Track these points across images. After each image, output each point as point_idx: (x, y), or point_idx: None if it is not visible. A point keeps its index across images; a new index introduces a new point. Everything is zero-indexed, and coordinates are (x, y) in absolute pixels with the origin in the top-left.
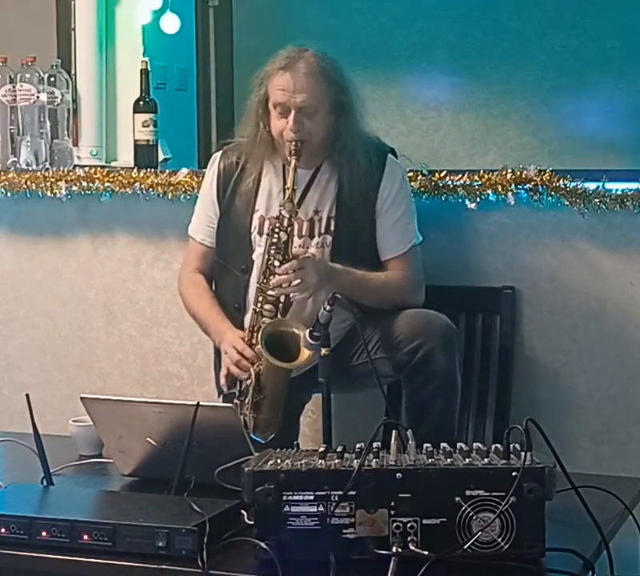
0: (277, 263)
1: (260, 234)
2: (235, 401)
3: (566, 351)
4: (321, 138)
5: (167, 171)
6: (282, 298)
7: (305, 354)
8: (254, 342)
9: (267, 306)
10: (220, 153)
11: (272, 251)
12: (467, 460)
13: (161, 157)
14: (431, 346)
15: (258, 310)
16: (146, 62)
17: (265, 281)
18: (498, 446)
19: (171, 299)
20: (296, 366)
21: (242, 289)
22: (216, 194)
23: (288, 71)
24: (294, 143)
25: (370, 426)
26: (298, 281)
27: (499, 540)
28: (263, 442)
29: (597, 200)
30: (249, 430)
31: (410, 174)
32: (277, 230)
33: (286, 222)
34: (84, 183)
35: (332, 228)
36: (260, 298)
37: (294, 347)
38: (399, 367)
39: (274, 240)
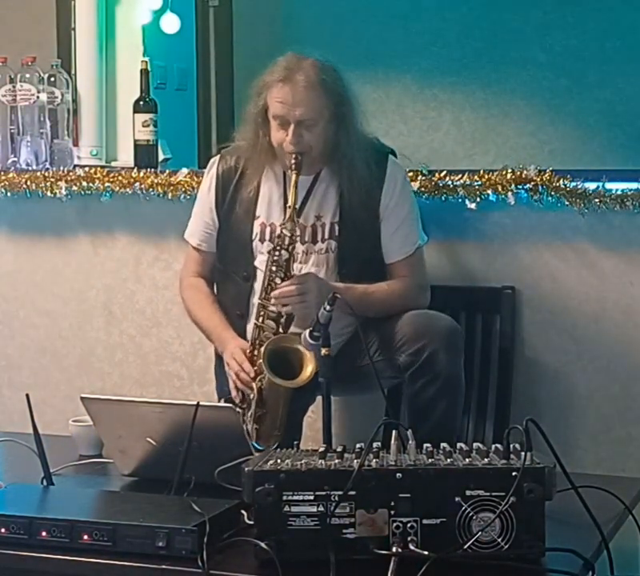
0: (278, 281)
1: (261, 241)
2: (237, 410)
3: (566, 351)
4: (321, 148)
5: (167, 171)
6: (284, 314)
7: (307, 371)
8: (255, 354)
9: (268, 322)
10: (218, 157)
11: (273, 268)
12: (467, 460)
13: (161, 157)
14: (435, 347)
15: (259, 324)
16: (146, 62)
17: (266, 297)
18: (498, 445)
19: (171, 299)
20: (298, 385)
21: (244, 296)
22: (214, 201)
23: (287, 83)
24: (294, 156)
25: (370, 426)
26: (299, 296)
27: (499, 540)
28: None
29: (597, 200)
30: (251, 439)
31: (410, 174)
32: (278, 247)
33: (287, 241)
34: (84, 183)
35: (336, 233)
36: (262, 313)
37: (296, 363)
38: (403, 368)
39: (275, 257)
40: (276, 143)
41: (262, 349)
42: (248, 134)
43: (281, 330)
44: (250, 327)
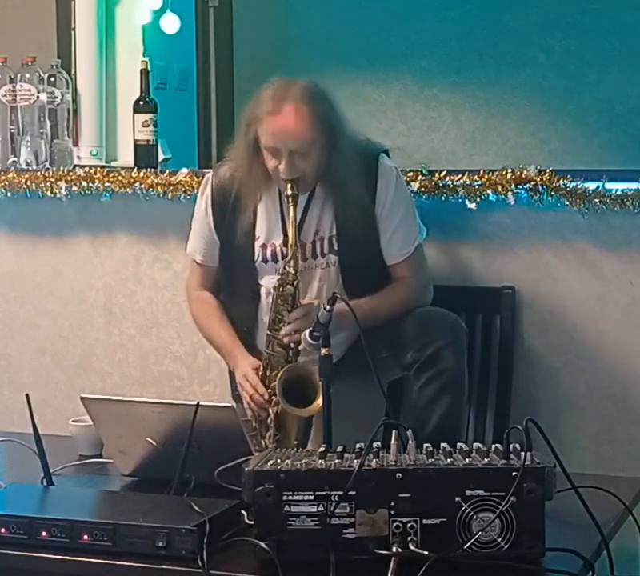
0: (285, 313)
1: (264, 261)
2: (254, 425)
3: (566, 351)
4: (314, 172)
5: (167, 171)
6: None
7: (320, 398)
8: (267, 374)
9: (278, 349)
10: (211, 175)
11: (280, 301)
12: (467, 460)
13: (161, 157)
14: (440, 343)
15: (269, 352)
16: (146, 62)
17: (274, 329)
18: (498, 445)
19: (171, 299)
20: (311, 413)
21: (251, 312)
22: (212, 222)
23: (276, 115)
24: (289, 186)
25: (370, 426)
26: (306, 329)
27: (499, 540)
28: None
29: (597, 200)
30: None
31: (410, 174)
32: (283, 283)
33: (290, 277)
34: (84, 183)
35: (336, 247)
36: (271, 342)
37: (311, 389)
38: (408, 364)
39: (281, 292)
40: (269, 169)
41: (277, 378)
42: (240, 160)
43: (291, 355)
44: (258, 340)
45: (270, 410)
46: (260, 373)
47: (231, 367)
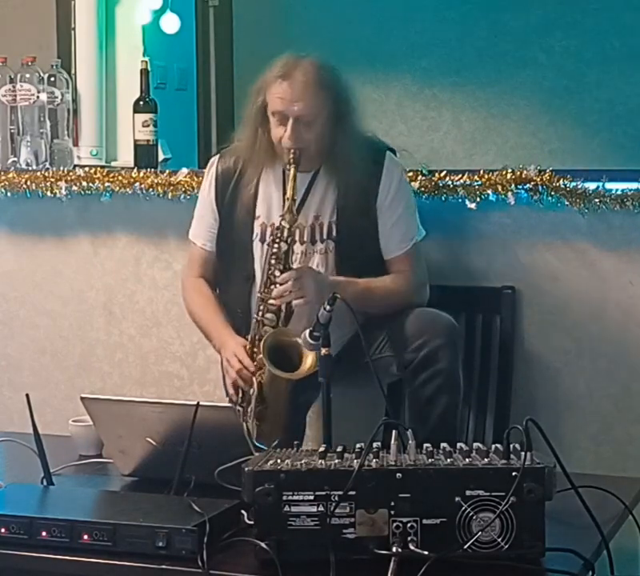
0: (277, 273)
1: (262, 241)
2: (238, 408)
3: (566, 351)
4: (319, 145)
5: (167, 171)
6: (283, 307)
7: (307, 363)
8: (256, 350)
9: (268, 315)
10: (217, 157)
11: (272, 261)
12: (467, 460)
13: (161, 157)
14: (436, 344)
15: (259, 318)
16: (146, 62)
17: (265, 290)
18: (498, 445)
19: (171, 299)
20: (298, 376)
21: (245, 295)
22: (214, 201)
23: (286, 80)
24: (292, 151)
25: (370, 426)
26: (298, 290)
27: (499, 540)
28: (267, 448)
29: (597, 200)
30: (253, 437)
31: (410, 173)
32: (277, 240)
33: (285, 233)
34: (84, 183)
35: (334, 233)
36: (261, 307)
37: (296, 357)
38: (404, 365)
39: (274, 250)
40: (275, 139)
41: (262, 343)
42: (247, 132)
43: (280, 322)
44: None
45: (253, 379)
46: (248, 348)
47: (218, 347)
